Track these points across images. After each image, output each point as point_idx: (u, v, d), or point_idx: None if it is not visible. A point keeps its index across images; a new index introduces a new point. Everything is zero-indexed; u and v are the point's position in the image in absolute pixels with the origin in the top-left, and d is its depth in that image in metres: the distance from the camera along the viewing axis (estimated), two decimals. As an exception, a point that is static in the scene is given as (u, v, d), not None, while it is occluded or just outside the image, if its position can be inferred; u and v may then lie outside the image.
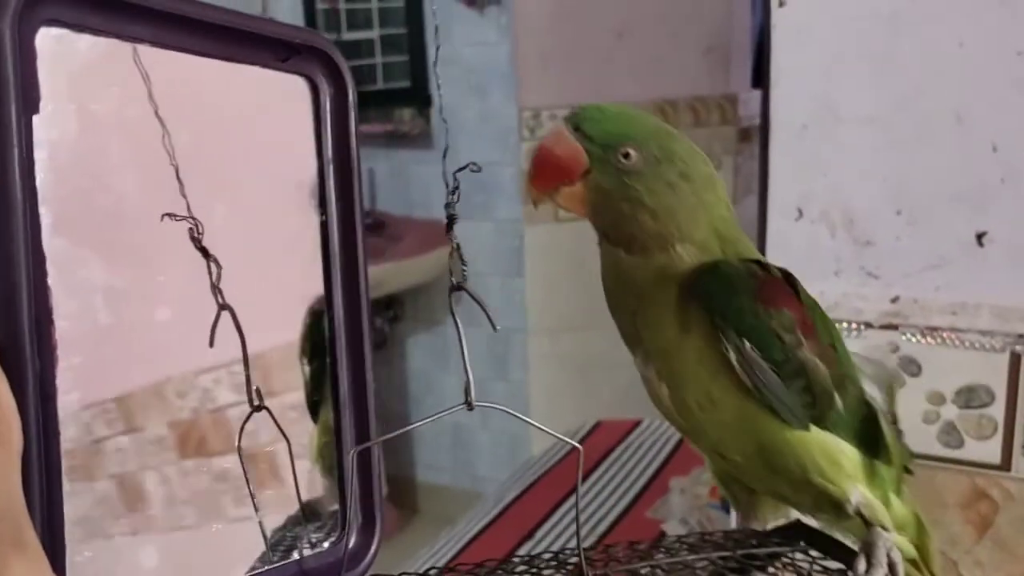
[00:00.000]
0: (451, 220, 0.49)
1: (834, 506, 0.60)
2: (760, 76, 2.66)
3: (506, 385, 2.55)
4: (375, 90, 2.60)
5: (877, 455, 0.61)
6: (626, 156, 0.54)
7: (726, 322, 0.55)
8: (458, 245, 0.50)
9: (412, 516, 2.80)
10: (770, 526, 0.64)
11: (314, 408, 0.55)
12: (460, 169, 0.48)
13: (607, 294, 0.60)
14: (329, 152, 0.50)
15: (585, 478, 1.52)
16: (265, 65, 0.47)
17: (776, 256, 1.05)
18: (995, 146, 0.93)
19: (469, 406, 0.51)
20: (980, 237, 0.95)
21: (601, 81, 2.40)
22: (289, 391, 0.52)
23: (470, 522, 1.57)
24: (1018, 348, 0.92)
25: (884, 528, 0.59)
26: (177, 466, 0.47)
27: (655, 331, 0.58)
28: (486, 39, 2.40)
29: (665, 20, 2.40)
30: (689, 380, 0.58)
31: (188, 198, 0.44)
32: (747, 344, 0.55)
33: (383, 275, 2.36)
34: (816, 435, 0.58)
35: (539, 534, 1.46)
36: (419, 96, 2.52)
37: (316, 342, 0.53)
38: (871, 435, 0.61)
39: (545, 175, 0.57)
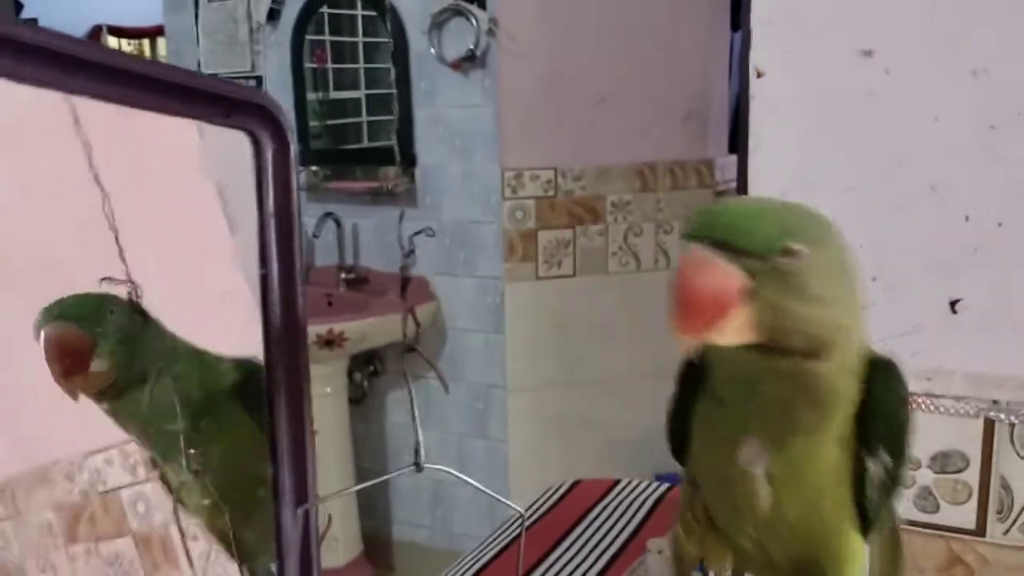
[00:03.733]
0: (406, 282, 0.49)
1: None
2: (736, 142, 2.72)
3: (486, 442, 2.54)
4: (361, 148, 2.63)
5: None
6: (793, 253, 0.46)
7: (892, 437, 0.51)
8: (412, 308, 0.50)
9: (387, 575, 2.76)
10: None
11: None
12: (416, 233, 0.48)
13: (721, 389, 0.53)
14: (270, 206, 0.50)
15: (563, 538, 1.52)
16: (209, 120, 0.48)
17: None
18: (968, 216, 0.96)
19: (418, 467, 0.51)
20: (954, 304, 0.98)
21: (583, 144, 2.44)
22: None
23: (447, 582, 1.55)
24: (992, 414, 0.94)
25: None
26: (65, 552, 0.45)
27: (795, 436, 0.51)
28: (471, 101, 2.44)
29: (645, 87, 2.46)
30: (806, 488, 0.52)
31: (127, 260, 0.44)
32: (890, 458, 0.51)
33: (365, 330, 2.37)
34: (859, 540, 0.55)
35: (517, 595, 1.44)
36: (404, 155, 2.55)
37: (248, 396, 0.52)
38: None
39: (698, 319, 0.46)
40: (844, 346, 0.48)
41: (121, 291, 0.45)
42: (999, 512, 0.95)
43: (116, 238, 0.44)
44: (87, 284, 0.43)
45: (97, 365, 0.51)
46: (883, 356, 0.52)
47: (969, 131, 0.95)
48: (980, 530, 0.96)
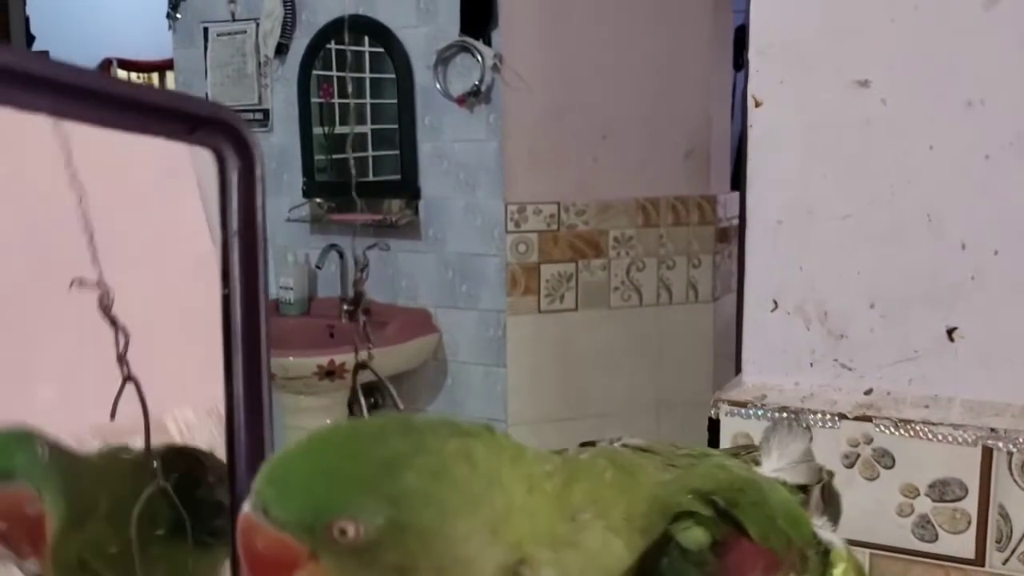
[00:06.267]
0: (359, 297, 0.45)
1: None
2: (738, 179, 2.72)
3: (485, 477, 2.53)
4: (367, 181, 2.65)
5: None
6: (343, 533, 0.39)
7: None
8: (365, 323, 0.47)
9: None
10: None
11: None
12: (370, 247, 0.46)
13: None
14: (235, 224, 0.48)
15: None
16: (171, 137, 0.46)
17: (753, 347, 1.07)
18: (964, 244, 0.97)
19: None
20: (951, 332, 0.98)
21: (586, 179, 2.46)
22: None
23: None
24: (990, 442, 0.94)
25: None
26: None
27: None
28: (475, 136, 2.47)
29: (648, 123, 2.48)
30: None
31: (101, 264, 0.42)
32: None
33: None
34: None
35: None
36: (408, 188, 2.57)
37: None
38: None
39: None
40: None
41: (92, 295, 0.44)
42: (998, 541, 0.95)
43: (91, 239, 0.43)
44: (56, 287, 0.42)
45: (51, 527, 0.45)
46: (685, 540, 0.47)
47: (965, 161, 0.96)
48: (979, 559, 0.96)
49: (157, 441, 0.49)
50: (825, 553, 0.56)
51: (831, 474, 0.64)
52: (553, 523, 0.44)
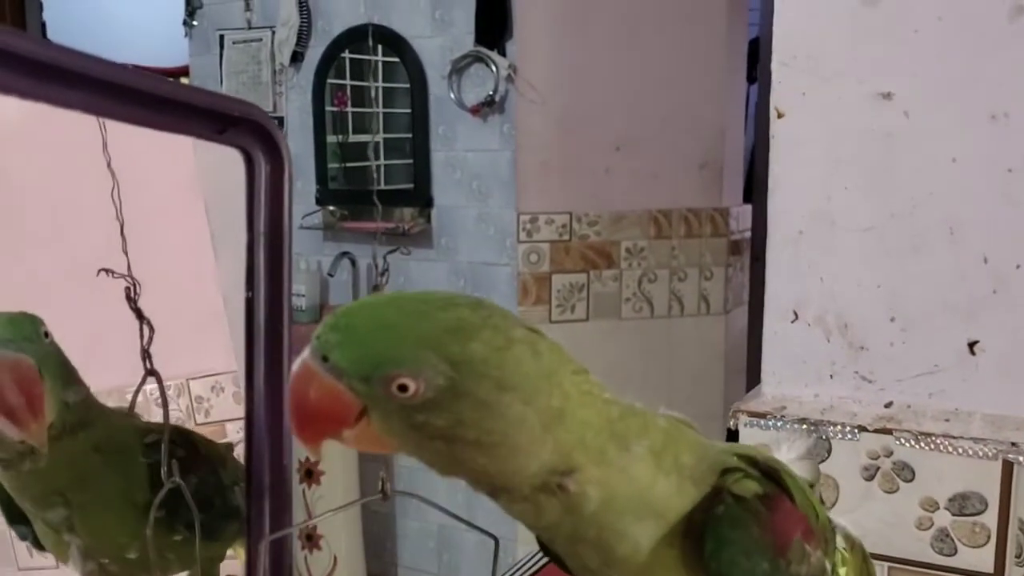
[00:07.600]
0: None
1: None
2: (751, 192, 2.71)
3: (494, 486, 2.52)
4: (379, 190, 2.65)
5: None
6: (402, 388, 0.39)
7: None
8: None
9: (391, 620, 2.72)
10: None
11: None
12: (391, 251, 0.46)
13: (554, 548, 0.48)
14: (262, 225, 0.48)
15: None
16: (200, 136, 0.45)
17: (772, 358, 1.07)
18: (986, 258, 0.97)
19: (385, 495, 0.50)
20: (972, 346, 0.98)
21: (598, 190, 2.46)
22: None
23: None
24: (1010, 456, 0.94)
25: None
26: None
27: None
28: (488, 145, 2.47)
29: (661, 135, 2.48)
30: None
31: (129, 254, 0.42)
32: None
33: (376, 370, 2.37)
34: None
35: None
36: (421, 197, 2.57)
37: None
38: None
39: (310, 427, 0.42)
40: (565, 493, 0.42)
41: (119, 286, 0.44)
42: (1017, 556, 0.94)
43: (121, 229, 0.43)
44: (83, 272, 0.42)
45: (49, 409, 0.43)
46: (736, 491, 0.47)
47: (987, 174, 0.96)
48: (998, 574, 0.95)
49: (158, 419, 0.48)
50: (833, 539, 0.58)
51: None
52: (606, 444, 0.44)
